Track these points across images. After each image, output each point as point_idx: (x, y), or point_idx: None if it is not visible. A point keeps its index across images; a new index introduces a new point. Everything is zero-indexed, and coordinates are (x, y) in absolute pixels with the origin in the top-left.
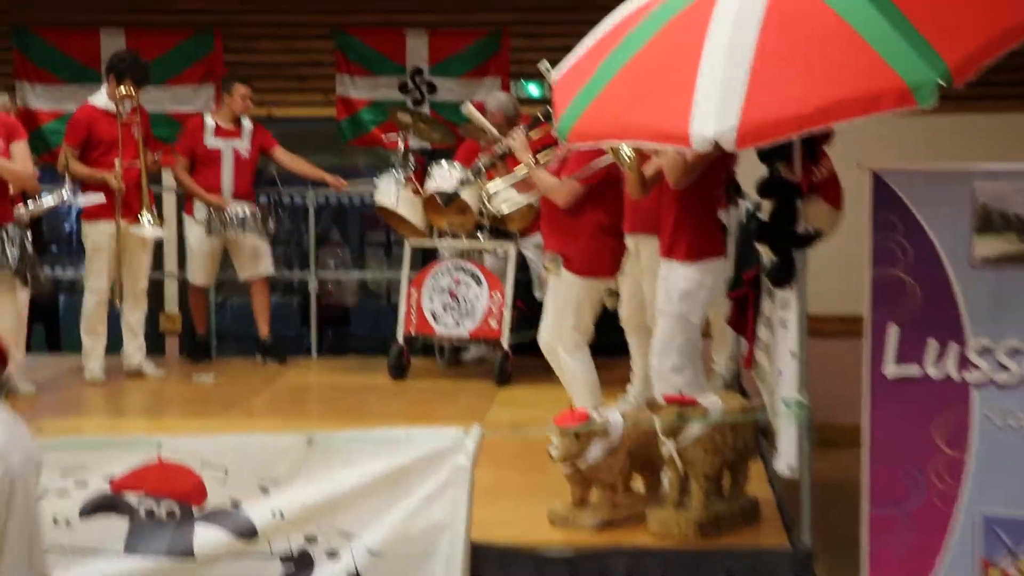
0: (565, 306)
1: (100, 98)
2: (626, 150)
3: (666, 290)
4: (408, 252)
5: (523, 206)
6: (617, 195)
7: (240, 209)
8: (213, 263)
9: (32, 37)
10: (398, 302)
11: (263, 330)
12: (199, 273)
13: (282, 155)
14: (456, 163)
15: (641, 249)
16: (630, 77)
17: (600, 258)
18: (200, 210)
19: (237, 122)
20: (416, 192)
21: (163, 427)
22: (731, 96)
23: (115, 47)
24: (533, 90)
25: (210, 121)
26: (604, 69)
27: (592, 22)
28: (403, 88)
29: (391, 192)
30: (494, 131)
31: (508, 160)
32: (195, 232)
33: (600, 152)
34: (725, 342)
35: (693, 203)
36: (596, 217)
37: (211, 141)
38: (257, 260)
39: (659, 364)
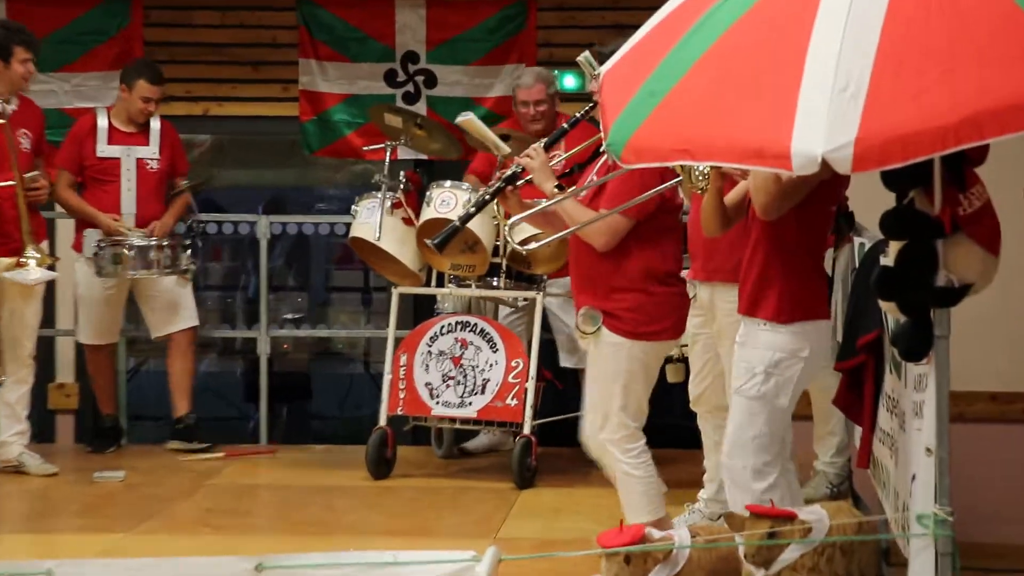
0: (609, 382)
1: None
2: (701, 170)
3: (746, 361)
4: (396, 302)
5: (554, 241)
6: (674, 230)
7: (145, 240)
8: (113, 315)
9: None
10: (380, 371)
11: (180, 406)
12: (92, 329)
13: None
14: (464, 183)
15: (717, 303)
16: (708, 74)
17: (657, 314)
18: (89, 243)
19: (141, 123)
20: (408, 221)
21: (54, 546)
22: (848, 100)
23: None
24: (570, 82)
25: (103, 121)
26: (672, 63)
27: None
28: (391, 79)
29: (372, 221)
30: (503, 145)
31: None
32: (85, 274)
33: (653, 175)
34: (831, 430)
35: (788, 242)
36: (647, 261)
37: (104, 148)
38: (174, 310)
39: (732, 463)
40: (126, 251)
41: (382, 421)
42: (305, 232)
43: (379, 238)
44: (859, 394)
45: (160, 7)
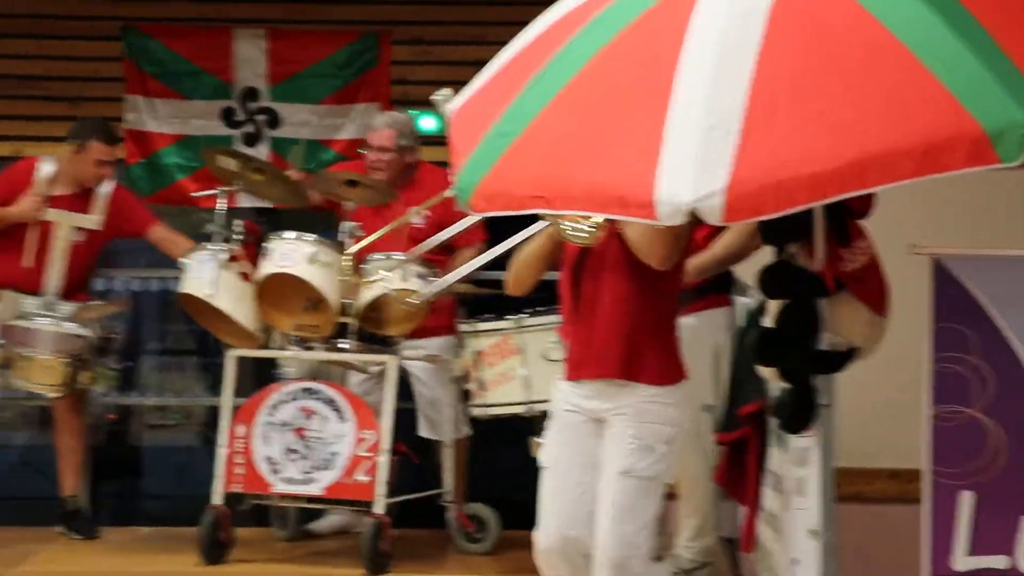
0: None
1: None
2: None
3: (639, 438)
4: (232, 367)
5: (412, 298)
6: None
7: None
8: None
9: None
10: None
11: (68, 484)
12: None
13: (163, 233)
14: (310, 235)
15: None
16: (566, 113)
17: None
18: None
19: (85, 189)
20: (245, 276)
21: None
22: (717, 143)
23: None
24: (428, 124)
25: (46, 173)
26: (526, 100)
27: (518, 25)
28: (229, 118)
29: (205, 276)
30: None
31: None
32: None
33: None
34: (691, 511)
35: (664, 292)
36: None
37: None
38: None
39: (634, 552)
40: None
41: (216, 499)
42: (134, 288)
43: (212, 295)
44: (742, 470)
45: None
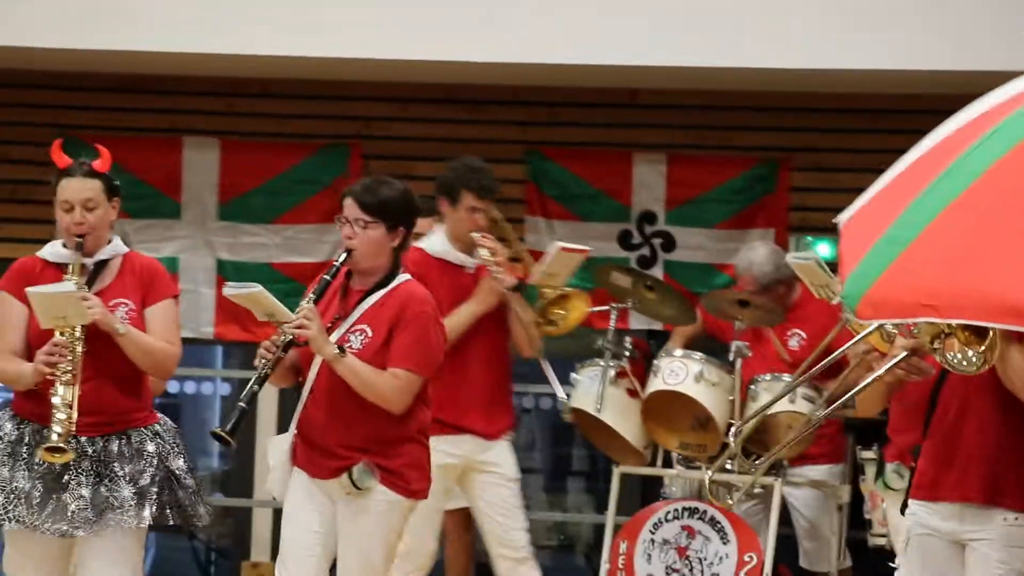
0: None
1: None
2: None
3: (1006, 563)
4: (616, 483)
5: (800, 420)
6: None
7: None
8: None
9: None
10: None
11: None
12: None
13: None
14: (696, 353)
15: None
16: (959, 222)
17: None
18: None
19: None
20: (632, 393)
21: None
22: None
23: None
24: (824, 250)
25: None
26: (918, 209)
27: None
28: (625, 240)
29: (592, 392)
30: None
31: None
32: None
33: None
34: None
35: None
36: (424, 414)
37: None
38: None
39: None
40: None
41: None
42: (526, 405)
43: (599, 410)
44: None
45: (381, 156)
